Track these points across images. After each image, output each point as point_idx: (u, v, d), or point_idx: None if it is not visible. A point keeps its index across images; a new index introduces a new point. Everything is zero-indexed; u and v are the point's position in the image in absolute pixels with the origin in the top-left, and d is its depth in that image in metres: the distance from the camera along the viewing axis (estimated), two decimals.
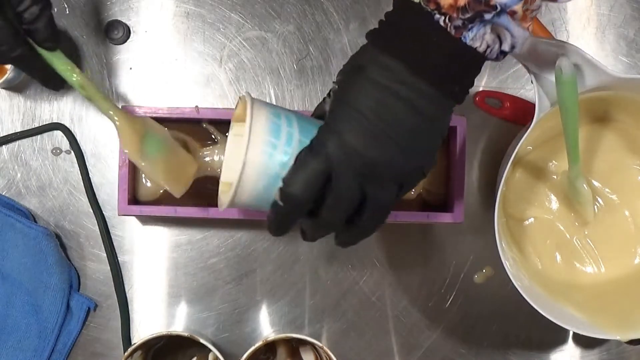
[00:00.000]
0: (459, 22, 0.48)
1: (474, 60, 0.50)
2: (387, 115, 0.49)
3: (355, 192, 0.50)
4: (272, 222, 0.52)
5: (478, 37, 0.48)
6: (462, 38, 0.48)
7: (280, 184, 0.51)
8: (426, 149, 0.52)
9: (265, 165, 0.51)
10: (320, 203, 0.51)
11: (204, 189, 0.73)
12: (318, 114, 0.57)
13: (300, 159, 0.50)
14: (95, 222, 0.76)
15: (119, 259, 0.77)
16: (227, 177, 0.59)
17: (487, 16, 0.48)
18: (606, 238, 0.75)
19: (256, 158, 0.51)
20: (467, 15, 0.47)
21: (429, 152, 0.52)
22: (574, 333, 0.79)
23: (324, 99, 0.56)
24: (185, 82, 0.77)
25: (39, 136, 0.76)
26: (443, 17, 0.48)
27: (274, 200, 0.51)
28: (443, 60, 0.49)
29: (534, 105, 0.62)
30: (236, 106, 0.59)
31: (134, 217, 0.77)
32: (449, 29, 0.48)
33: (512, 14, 0.48)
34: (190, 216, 0.72)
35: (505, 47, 0.50)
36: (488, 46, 0.49)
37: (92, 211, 0.76)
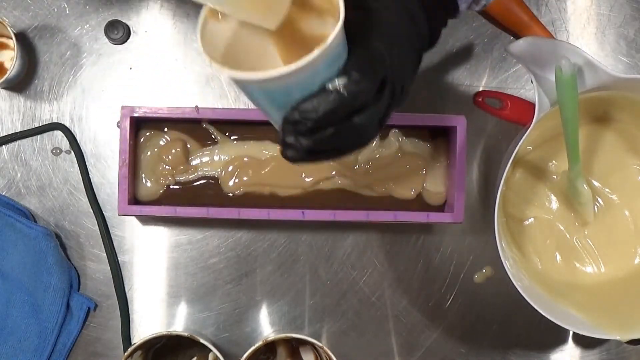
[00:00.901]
0: None
1: (449, 16, 0.57)
2: (409, 35, 0.53)
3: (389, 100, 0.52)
4: (320, 112, 0.48)
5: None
6: None
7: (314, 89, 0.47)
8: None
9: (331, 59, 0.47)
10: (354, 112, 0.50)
11: (204, 190, 0.73)
12: None
13: (364, 65, 0.49)
14: (95, 222, 0.76)
15: (119, 259, 0.77)
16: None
17: None
18: (606, 238, 0.75)
19: (332, 50, 0.46)
20: None
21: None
22: (574, 333, 0.79)
23: None
24: (185, 82, 0.77)
25: (39, 136, 0.76)
26: None
27: (321, 90, 0.48)
28: (439, 10, 0.55)
29: (534, 105, 0.62)
30: None
31: (134, 217, 0.77)
32: None
33: None
34: (190, 216, 0.72)
35: (477, 7, 0.56)
36: (468, 6, 0.55)
37: (92, 211, 0.76)
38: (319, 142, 0.50)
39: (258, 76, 0.46)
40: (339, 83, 0.48)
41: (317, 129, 0.49)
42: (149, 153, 0.73)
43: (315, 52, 0.45)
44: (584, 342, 0.79)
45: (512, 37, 0.78)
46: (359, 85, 0.48)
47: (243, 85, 0.48)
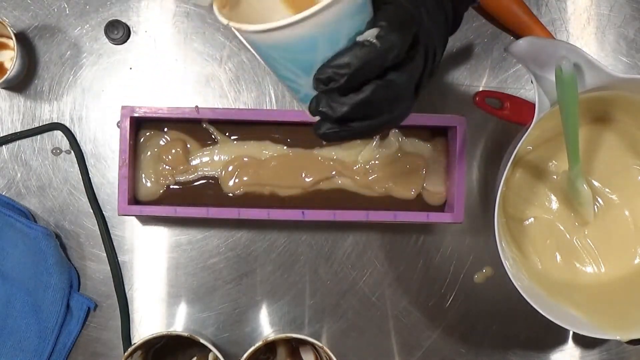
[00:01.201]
0: None
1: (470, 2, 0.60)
2: (436, 3, 0.53)
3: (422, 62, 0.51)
4: (354, 66, 0.46)
5: None
6: None
7: (340, 47, 0.46)
8: None
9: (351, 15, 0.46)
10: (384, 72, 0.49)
11: (204, 190, 0.73)
12: None
13: (394, 17, 0.48)
14: (95, 222, 0.76)
15: (119, 259, 0.77)
16: None
17: None
18: (606, 238, 0.74)
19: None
20: None
21: None
22: (574, 333, 0.79)
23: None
24: (185, 82, 0.77)
25: (39, 136, 0.76)
26: None
27: (351, 45, 0.46)
28: None
29: (534, 105, 0.62)
30: None
31: (134, 217, 0.77)
32: None
33: None
34: (190, 216, 0.72)
35: None
36: None
37: (92, 211, 0.76)
38: (355, 106, 0.48)
39: (283, 22, 0.43)
40: (370, 34, 0.46)
41: (352, 89, 0.47)
42: (149, 153, 0.73)
43: None
44: (584, 342, 0.79)
45: (512, 37, 0.78)
46: (390, 36, 0.46)
47: (265, 46, 0.46)
